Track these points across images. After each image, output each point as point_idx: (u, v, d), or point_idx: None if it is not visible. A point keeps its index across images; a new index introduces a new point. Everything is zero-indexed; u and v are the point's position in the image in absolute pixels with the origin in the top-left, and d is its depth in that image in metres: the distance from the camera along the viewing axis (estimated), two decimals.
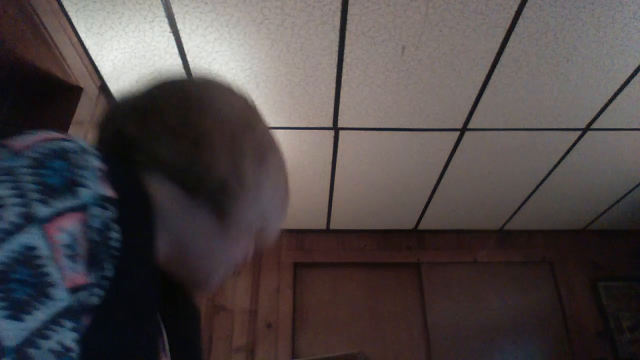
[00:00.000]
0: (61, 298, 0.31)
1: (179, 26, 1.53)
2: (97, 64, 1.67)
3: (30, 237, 0.31)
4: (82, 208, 0.34)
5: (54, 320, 0.30)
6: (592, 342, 2.70)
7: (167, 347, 0.50)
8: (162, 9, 1.48)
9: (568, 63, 1.72)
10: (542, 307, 2.82)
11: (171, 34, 1.56)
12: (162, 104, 0.51)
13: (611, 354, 2.67)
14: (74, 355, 0.30)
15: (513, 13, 1.52)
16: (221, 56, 1.63)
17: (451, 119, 2.01)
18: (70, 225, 0.33)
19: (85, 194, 0.35)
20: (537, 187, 2.54)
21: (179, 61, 1.65)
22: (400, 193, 2.57)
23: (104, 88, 1.75)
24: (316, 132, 2.06)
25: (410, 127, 2.05)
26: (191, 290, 0.56)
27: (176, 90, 0.53)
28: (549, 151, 2.24)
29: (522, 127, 2.07)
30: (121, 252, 0.36)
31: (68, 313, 0.31)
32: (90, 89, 1.66)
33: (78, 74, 1.58)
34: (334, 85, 1.79)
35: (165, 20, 1.51)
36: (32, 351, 0.28)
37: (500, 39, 1.62)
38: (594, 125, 2.06)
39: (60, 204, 0.33)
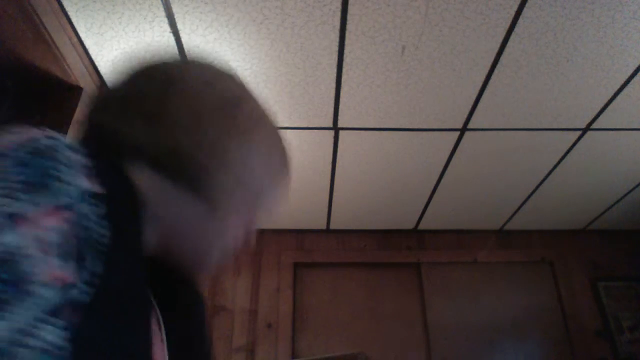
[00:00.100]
0: (47, 296, 0.31)
1: (179, 26, 1.53)
2: (97, 64, 1.67)
3: (12, 236, 0.30)
4: (65, 205, 0.34)
5: (42, 318, 0.30)
6: (592, 342, 2.70)
7: (164, 338, 0.50)
8: (162, 9, 1.48)
9: (568, 63, 1.72)
10: (542, 307, 2.82)
11: (171, 34, 1.56)
12: (137, 91, 0.51)
13: (611, 353, 2.67)
14: (61, 353, 0.30)
15: (513, 13, 1.52)
16: (221, 56, 1.63)
17: (451, 119, 2.01)
18: (53, 223, 0.33)
19: (68, 191, 0.34)
20: (537, 187, 2.54)
21: None
22: (400, 193, 2.57)
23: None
24: (316, 132, 2.06)
25: (410, 127, 2.05)
26: (190, 273, 0.56)
27: (152, 75, 0.52)
28: (549, 151, 2.24)
29: (522, 127, 2.07)
30: (109, 247, 0.36)
31: (55, 311, 0.31)
32: (90, 88, 1.66)
33: (78, 74, 1.58)
34: (334, 85, 1.79)
35: (165, 20, 1.51)
36: (17, 350, 0.28)
37: (500, 39, 1.62)
38: (594, 125, 2.06)
39: (42, 202, 0.33)
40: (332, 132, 2.07)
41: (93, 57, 1.64)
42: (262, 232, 2.94)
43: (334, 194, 2.56)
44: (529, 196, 2.63)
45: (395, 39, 1.60)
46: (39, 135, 0.36)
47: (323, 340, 2.67)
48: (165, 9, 1.48)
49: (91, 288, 0.34)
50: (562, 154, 2.26)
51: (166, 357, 0.50)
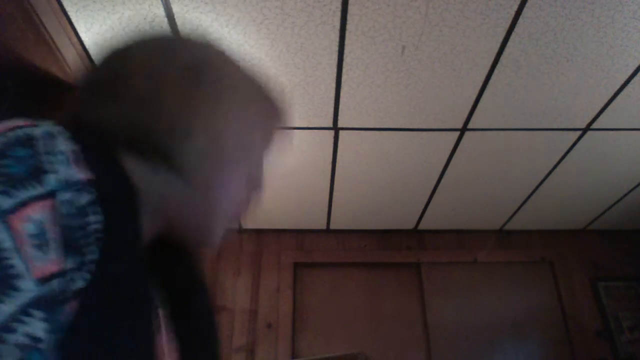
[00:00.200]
0: (28, 289, 0.30)
1: (179, 26, 1.53)
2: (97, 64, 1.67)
3: None
4: (49, 195, 0.33)
5: (22, 311, 0.29)
6: (592, 342, 2.70)
7: (161, 322, 0.50)
8: (162, 8, 1.48)
9: (568, 63, 1.72)
10: (542, 307, 2.82)
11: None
12: (108, 74, 0.51)
13: (611, 353, 2.67)
14: (42, 345, 0.30)
15: (513, 13, 1.52)
16: None
17: (451, 119, 2.00)
18: (36, 214, 0.32)
19: (52, 180, 0.34)
20: (537, 187, 2.53)
21: None
22: (400, 193, 2.57)
23: None
24: (316, 132, 2.06)
25: (410, 127, 2.05)
26: (197, 248, 0.55)
27: (120, 56, 0.52)
28: (549, 151, 2.24)
29: (522, 127, 2.06)
30: (105, 234, 0.35)
31: (37, 303, 0.30)
32: None
33: (78, 74, 1.58)
34: (334, 85, 1.79)
35: (165, 20, 1.51)
36: None
37: (500, 39, 1.62)
38: (594, 125, 2.06)
39: (24, 194, 0.32)
40: (332, 132, 2.07)
41: (93, 57, 1.64)
42: (262, 232, 2.94)
43: (334, 194, 2.56)
44: (529, 196, 2.63)
45: (395, 39, 1.60)
46: (22, 125, 0.36)
47: (323, 340, 2.67)
48: (165, 8, 1.48)
49: (87, 274, 0.33)
50: (562, 154, 2.26)
51: (172, 352, 0.49)
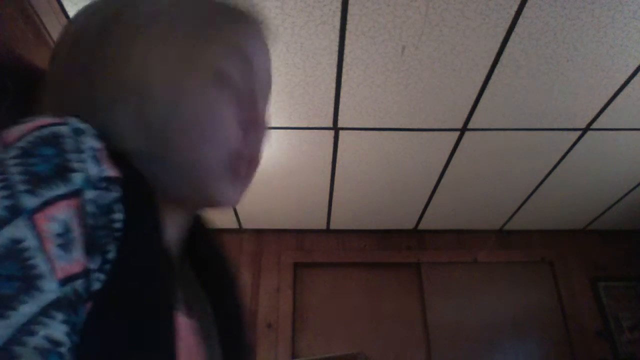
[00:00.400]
0: (51, 290, 0.30)
1: None
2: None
3: (17, 229, 0.30)
4: (74, 193, 0.33)
5: (43, 313, 0.29)
6: (592, 342, 2.70)
7: (187, 325, 0.46)
8: None
9: (568, 63, 1.72)
10: (542, 307, 2.82)
11: None
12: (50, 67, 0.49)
13: (611, 353, 2.67)
14: (63, 349, 0.29)
15: (513, 13, 1.52)
16: None
17: (451, 119, 2.01)
18: (61, 213, 0.32)
19: (78, 179, 0.33)
20: (537, 187, 2.53)
21: None
22: (400, 193, 2.57)
23: None
24: (316, 132, 2.06)
25: (410, 127, 2.05)
26: (211, 207, 0.49)
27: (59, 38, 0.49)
28: (549, 151, 2.24)
29: (522, 127, 2.07)
30: (123, 232, 0.34)
31: (58, 305, 0.30)
32: None
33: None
34: (334, 85, 1.79)
35: None
36: (17, 349, 0.27)
37: (500, 39, 1.62)
38: (594, 125, 2.06)
39: (49, 193, 0.32)
40: (332, 132, 2.07)
41: None
42: (262, 232, 2.94)
43: (334, 194, 2.56)
44: (529, 196, 2.63)
45: (395, 39, 1.60)
46: (49, 123, 0.35)
47: (323, 340, 2.67)
48: None
49: (101, 276, 0.33)
50: (562, 154, 2.26)
51: (201, 353, 0.46)
